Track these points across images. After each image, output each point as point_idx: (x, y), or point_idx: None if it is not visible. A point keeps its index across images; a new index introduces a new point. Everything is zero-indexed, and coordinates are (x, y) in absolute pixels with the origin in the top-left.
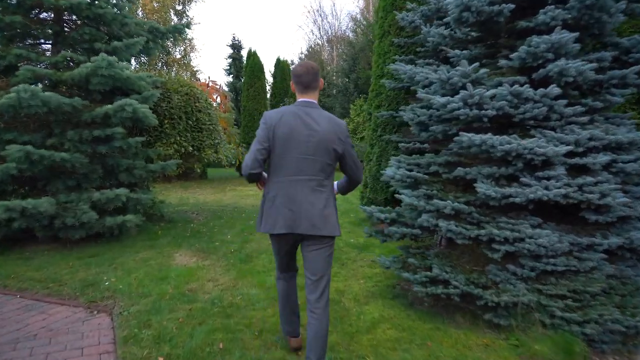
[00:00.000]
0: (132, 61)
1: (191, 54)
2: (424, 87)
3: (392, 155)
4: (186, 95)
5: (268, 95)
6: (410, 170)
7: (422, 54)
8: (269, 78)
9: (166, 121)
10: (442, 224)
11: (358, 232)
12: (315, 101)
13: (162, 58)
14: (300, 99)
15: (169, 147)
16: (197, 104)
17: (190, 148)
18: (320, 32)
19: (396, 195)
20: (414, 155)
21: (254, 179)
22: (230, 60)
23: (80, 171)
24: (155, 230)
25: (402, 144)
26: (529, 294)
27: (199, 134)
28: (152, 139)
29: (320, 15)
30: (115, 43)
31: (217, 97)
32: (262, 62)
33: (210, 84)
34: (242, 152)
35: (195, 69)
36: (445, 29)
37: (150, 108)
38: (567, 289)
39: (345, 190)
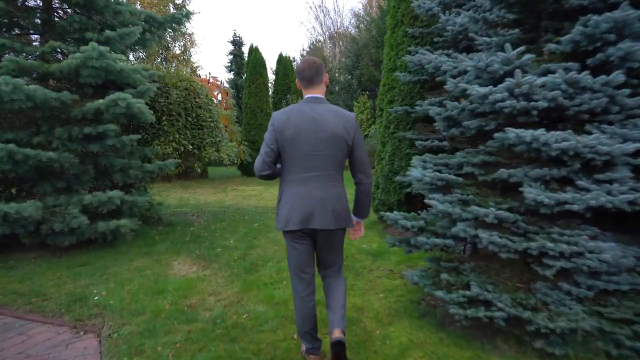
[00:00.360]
0: (130, 56)
1: (191, 50)
2: (452, 77)
3: (405, 153)
4: (185, 90)
5: (270, 92)
6: (439, 172)
7: (439, 44)
8: (271, 76)
9: (164, 118)
10: (483, 234)
11: (370, 236)
12: (322, 96)
13: (162, 53)
14: (306, 95)
15: (168, 146)
16: (197, 100)
17: (190, 146)
18: (322, 29)
19: (426, 201)
20: (440, 155)
21: (267, 179)
22: (231, 56)
23: (70, 172)
24: (152, 234)
25: (419, 142)
26: (588, 318)
27: (200, 131)
28: (150, 136)
29: (322, 11)
30: (108, 32)
31: (218, 94)
32: (264, 58)
33: (211, 80)
34: (243, 150)
35: (195, 65)
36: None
37: (146, 104)
38: (633, 312)
39: (363, 206)
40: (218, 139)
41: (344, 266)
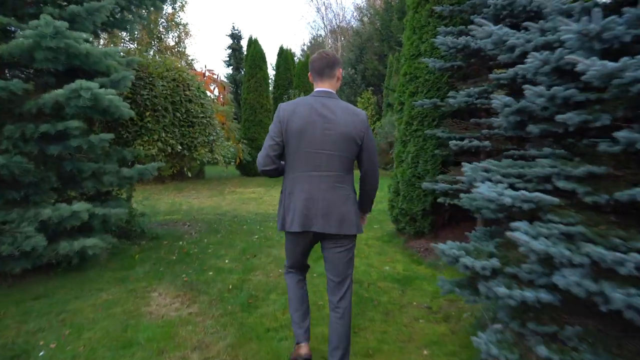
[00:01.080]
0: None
1: (186, 41)
2: (523, 53)
3: (432, 155)
4: (173, 81)
5: (271, 88)
6: (512, 187)
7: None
8: (271, 72)
9: (148, 113)
10: (615, 293)
11: (390, 254)
12: (333, 91)
13: (154, 45)
14: (316, 88)
15: (152, 146)
16: (187, 93)
17: (179, 147)
18: (323, 22)
19: (509, 234)
20: (505, 161)
21: (272, 176)
22: (229, 51)
23: (25, 180)
24: (132, 252)
25: (453, 142)
26: None
27: (190, 129)
28: (131, 135)
29: (324, 4)
30: (73, 7)
31: (214, 88)
32: (264, 52)
33: (207, 73)
34: (242, 149)
35: (191, 59)
36: None
37: (127, 97)
38: None
39: (366, 204)
40: (212, 137)
41: (366, 299)
